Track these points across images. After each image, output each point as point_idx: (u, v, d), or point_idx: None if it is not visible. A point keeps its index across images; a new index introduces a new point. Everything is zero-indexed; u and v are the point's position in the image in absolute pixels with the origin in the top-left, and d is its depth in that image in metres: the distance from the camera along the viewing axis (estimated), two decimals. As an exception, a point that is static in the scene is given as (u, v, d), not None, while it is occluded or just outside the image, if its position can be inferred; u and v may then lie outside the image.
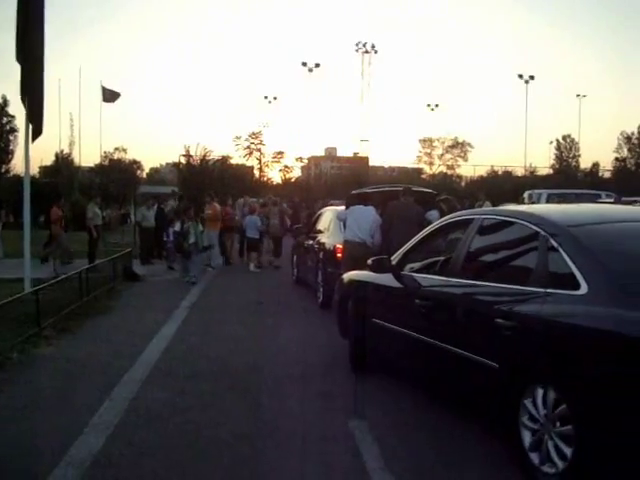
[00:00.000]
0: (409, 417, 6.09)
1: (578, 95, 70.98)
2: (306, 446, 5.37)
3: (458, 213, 7.06)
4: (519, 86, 67.22)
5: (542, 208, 7.28)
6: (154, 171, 79.99)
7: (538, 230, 5.10)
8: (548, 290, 4.68)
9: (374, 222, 11.31)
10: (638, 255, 4.68)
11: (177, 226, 16.63)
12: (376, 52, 70.31)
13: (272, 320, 11.02)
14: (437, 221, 7.49)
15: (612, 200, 21.25)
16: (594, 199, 23.14)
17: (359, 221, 11.25)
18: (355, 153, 73.77)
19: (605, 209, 7.24)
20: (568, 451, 4.28)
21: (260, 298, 13.34)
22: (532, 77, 64.43)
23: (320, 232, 13.83)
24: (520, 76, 64.64)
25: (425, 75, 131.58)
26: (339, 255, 11.48)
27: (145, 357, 8.27)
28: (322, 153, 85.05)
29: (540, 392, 4.58)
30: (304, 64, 64.84)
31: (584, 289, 4.40)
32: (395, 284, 6.81)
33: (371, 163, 72.35)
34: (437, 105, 72.39)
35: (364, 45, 69.67)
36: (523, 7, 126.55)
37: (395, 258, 7.03)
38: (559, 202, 21.08)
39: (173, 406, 6.39)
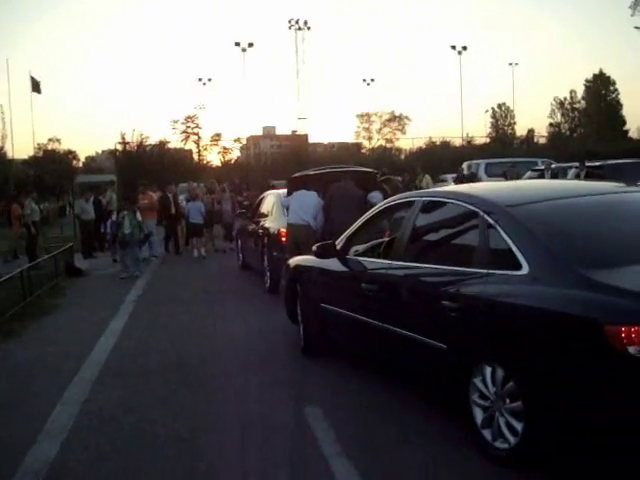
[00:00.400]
0: (362, 400, 6.13)
1: (510, 63, 72.09)
2: (263, 436, 5.39)
3: (399, 195, 7.12)
4: (453, 57, 67.92)
5: (481, 188, 7.36)
6: (90, 160, 78.55)
7: (477, 211, 5.16)
8: (490, 271, 4.76)
9: (317, 205, 11.32)
10: (577, 233, 4.78)
11: (114, 216, 16.41)
12: (309, 29, 69.67)
13: (220, 309, 10.98)
14: (380, 203, 7.53)
15: (542, 167, 21.50)
16: (531, 166, 23.59)
17: (302, 205, 11.25)
18: (294, 131, 73.42)
19: (544, 186, 7.36)
20: (519, 426, 4.40)
21: (206, 287, 13.28)
22: (465, 48, 65.01)
23: (264, 216, 13.67)
24: (453, 47, 65.15)
25: (359, 50, 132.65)
26: (284, 239, 11.46)
27: (94, 356, 8.17)
28: (261, 133, 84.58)
29: (488, 370, 4.68)
30: (237, 44, 64.05)
31: (525, 269, 4.49)
32: (341, 268, 6.86)
33: (311, 140, 72.22)
34: (372, 80, 72.68)
35: (297, 22, 69.04)
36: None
37: (339, 242, 7.06)
38: (502, 175, 21.45)
39: (126, 405, 6.35)
